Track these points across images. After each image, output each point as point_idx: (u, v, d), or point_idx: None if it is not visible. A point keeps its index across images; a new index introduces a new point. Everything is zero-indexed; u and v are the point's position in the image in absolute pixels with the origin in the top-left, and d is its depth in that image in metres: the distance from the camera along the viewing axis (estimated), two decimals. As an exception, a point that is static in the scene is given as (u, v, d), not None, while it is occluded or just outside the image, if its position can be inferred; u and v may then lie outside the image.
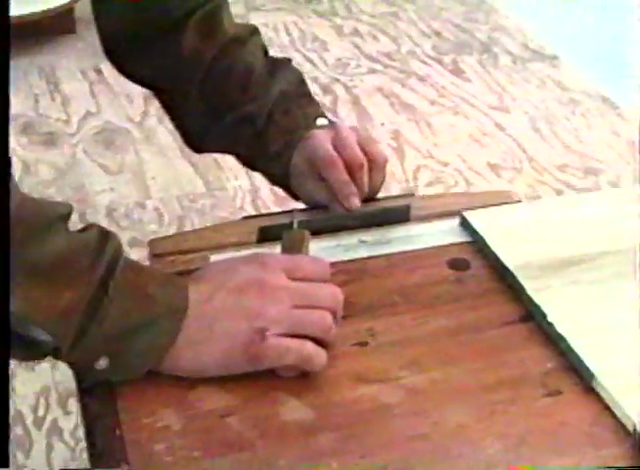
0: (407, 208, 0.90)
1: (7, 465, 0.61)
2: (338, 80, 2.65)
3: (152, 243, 0.86)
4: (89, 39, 2.71)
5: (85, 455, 1.50)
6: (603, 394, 0.69)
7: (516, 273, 0.80)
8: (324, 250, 0.85)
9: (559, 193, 2.16)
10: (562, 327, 0.74)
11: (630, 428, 0.66)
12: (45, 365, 1.65)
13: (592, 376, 0.70)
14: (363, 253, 0.85)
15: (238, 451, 0.65)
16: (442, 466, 0.64)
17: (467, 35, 2.93)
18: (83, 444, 1.51)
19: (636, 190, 0.96)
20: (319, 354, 0.70)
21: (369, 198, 0.90)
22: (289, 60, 0.98)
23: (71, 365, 0.69)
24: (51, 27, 2.72)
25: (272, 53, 0.99)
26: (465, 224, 0.88)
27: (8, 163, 0.63)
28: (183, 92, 0.96)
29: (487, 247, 0.84)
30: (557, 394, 0.70)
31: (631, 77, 2.62)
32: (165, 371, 0.69)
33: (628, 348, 0.72)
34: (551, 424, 0.67)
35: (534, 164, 2.28)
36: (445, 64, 2.75)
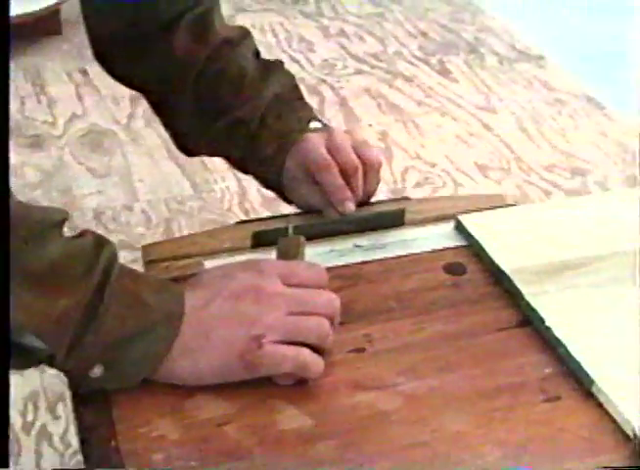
0: (402, 212, 0.90)
1: (7, 465, 0.61)
2: (324, 81, 2.64)
3: (145, 249, 0.85)
4: (75, 41, 2.69)
5: (75, 460, 1.48)
6: (602, 399, 0.69)
7: (512, 277, 0.80)
8: (319, 255, 0.84)
9: (546, 193, 2.16)
10: (560, 332, 0.73)
11: (630, 433, 0.66)
12: (33, 370, 1.63)
13: (591, 381, 0.69)
14: (358, 257, 0.85)
15: (236, 460, 0.64)
16: (442, 474, 0.64)
17: (453, 36, 2.93)
18: (73, 449, 1.50)
19: (628, 193, 0.96)
20: (316, 362, 0.70)
21: (363, 202, 0.89)
22: (281, 62, 0.98)
23: (66, 373, 0.68)
24: (37, 29, 2.70)
25: (259, 54, 0.99)
26: (460, 228, 0.88)
27: (8, 163, 0.62)
28: (175, 94, 0.95)
29: (483, 251, 0.84)
30: (556, 399, 0.69)
31: (618, 78, 2.62)
32: (161, 379, 0.69)
33: (627, 352, 0.72)
34: (550, 430, 0.67)
35: (522, 164, 2.28)
36: (432, 64, 2.75)
